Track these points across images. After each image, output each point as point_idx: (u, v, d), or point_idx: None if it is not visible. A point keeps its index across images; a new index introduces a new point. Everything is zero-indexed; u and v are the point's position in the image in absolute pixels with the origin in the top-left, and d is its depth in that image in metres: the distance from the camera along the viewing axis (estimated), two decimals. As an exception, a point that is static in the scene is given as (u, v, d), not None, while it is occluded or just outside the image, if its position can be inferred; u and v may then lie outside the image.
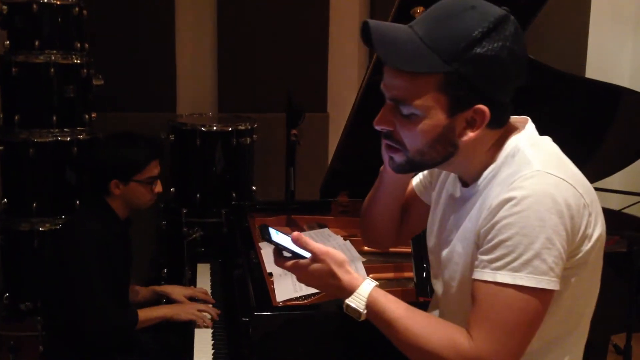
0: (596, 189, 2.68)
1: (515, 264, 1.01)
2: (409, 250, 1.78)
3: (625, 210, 2.53)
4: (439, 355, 1.03)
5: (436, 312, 1.29)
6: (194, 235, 3.00)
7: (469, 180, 1.16)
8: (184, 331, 2.11)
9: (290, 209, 2.47)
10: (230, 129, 3.16)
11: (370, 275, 1.77)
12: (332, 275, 1.11)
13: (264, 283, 1.73)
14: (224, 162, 3.19)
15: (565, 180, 1.05)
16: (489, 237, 1.04)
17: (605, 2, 3.92)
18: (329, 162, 2.70)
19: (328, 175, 2.57)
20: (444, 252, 1.19)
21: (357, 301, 1.10)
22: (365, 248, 2.05)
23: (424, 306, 1.31)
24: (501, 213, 1.03)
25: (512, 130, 1.14)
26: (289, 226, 2.42)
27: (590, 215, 1.06)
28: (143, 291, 2.37)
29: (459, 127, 1.07)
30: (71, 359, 2.12)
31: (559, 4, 3.61)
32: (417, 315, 1.09)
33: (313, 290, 1.69)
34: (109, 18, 3.39)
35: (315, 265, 1.12)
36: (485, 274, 1.04)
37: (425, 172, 1.36)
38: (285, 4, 3.63)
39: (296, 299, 1.68)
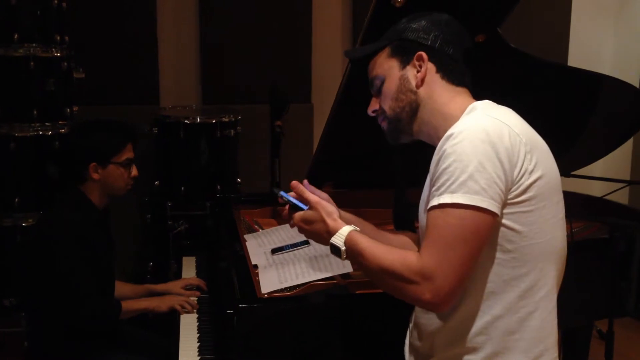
0: (579, 176, 2.71)
1: (452, 187, 1.16)
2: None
3: (607, 197, 2.56)
4: (393, 270, 1.20)
5: None
6: (179, 228, 2.99)
7: (436, 142, 1.28)
8: (170, 327, 2.11)
9: (275, 200, 2.46)
10: (214, 121, 3.15)
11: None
12: (322, 221, 1.31)
13: (248, 275, 1.73)
14: (208, 155, 3.18)
15: (501, 121, 1.20)
16: (436, 172, 1.20)
17: (586, -9, 3.95)
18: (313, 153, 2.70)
19: (312, 166, 2.57)
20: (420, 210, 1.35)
21: (338, 239, 1.28)
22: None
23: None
24: (443, 148, 1.19)
25: (469, 98, 1.34)
26: (274, 218, 2.42)
27: (528, 152, 1.18)
28: (137, 289, 2.36)
29: (411, 75, 1.34)
30: (56, 355, 2.11)
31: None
32: (382, 247, 1.26)
33: (297, 282, 1.69)
34: (90, 10, 3.35)
35: (310, 212, 1.33)
36: (431, 202, 1.19)
37: None
38: (267, -5, 3.61)
39: (281, 290, 1.68)
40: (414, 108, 1.34)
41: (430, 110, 1.33)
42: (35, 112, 2.82)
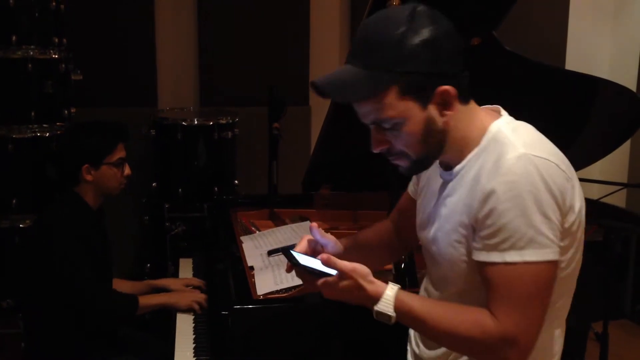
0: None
1: (520, 243, 1.09)
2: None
3: (603, 200, 2.56)
4: (469, 337, 1.13)
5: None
6: (177, 230, 2.99)
7: (452, 163, 1.23)
8: (166, 328, 2.11)
9: (272, 202, 2.47)
10: (211, 123, 3.15)
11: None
12: (359, 287, 1.17)
13: (244, 277, 1.73)
14: (205, 157, 3.18)
15: (548, 160, 1.13)
16: (488, 222, 1.12)
17: (584, -7, 3.96)
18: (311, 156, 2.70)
19: (309, 168, 2.58)
20: (432, 231, 1.26)
21: (385, 306, 1.16)
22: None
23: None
24: (497, 199, 1.10)
25: (489, 114, 1.23)
26: (272, 220, 2.43)
27: (573, 187, 1.15)
28: (138, 285, 2.36)
29: (436, 113, 1.17)
30: (53, 356, 2.11)
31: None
32: (442, 307, 1.18)
33: (293, 283, 1.69)
34: (88, 12, 3.35)
35: (344, 283, 1.18)
36: (493, 256, 1.12)
37: (414, 177, 1.44)
38: (265, -3, 3.61)
39: (277, 292, 1.68)
40: (442, 145, 1.20)
41: (453, 138, 1.20)
42: (33, 114, 2.82)
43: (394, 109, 1.14)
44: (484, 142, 1.19)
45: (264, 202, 2.49)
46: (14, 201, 2.82)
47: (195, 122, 3.15)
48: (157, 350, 2.18)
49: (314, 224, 1.32)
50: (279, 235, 2.12)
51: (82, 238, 2.05)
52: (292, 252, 1.23)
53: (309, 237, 1.33)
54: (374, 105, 1.15)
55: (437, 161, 1.27)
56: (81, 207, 2.13)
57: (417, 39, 1.11)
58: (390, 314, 1.16)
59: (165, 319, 2.20)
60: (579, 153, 2.51)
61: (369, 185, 2.40)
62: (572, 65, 3.85)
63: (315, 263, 1.21)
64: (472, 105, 1.21)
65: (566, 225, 1.14)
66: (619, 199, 3.19)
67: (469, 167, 1.19)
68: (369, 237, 1.52)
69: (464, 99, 1.19)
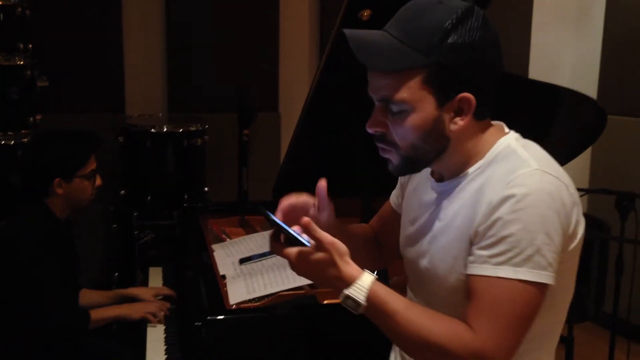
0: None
1: (517, 260, 1.03)
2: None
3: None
4: (442, 346, 1.05)
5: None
6: (146, 238, 2.96)
7: (447, 175, 1.18)
8: (134, 337, 2.09)
9: (243, 209, 2.47)
10: (181, 130, 3.14)
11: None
12: (333, 264, 1.07)
13: (216, 286, 1.72)
14: (175, 164, 3.16)
15: (560, 180, 1.09)
16: (490, 233, 1.06)
17: (547, 2, 4.05)
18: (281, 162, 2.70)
19: (280, 175, 2.58)
20: (423, 245, 1.20)
21: (357, 292, 1.07)
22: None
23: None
24: (503, 210, 1.05)
25: (497, 129, 1.18)
26: (242, 227, 2.42)
27: (577, 214, 1.11)
28: (107, 295, 2.33)
29: (448, 117, 1.10)
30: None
31: (501, 3, 3.70)
32: (418, 307, 1.11)
33: (266, 292, 1.70)
34: (54, 17, 3.31)
35: (319, 255, 1.08)
36: (485, 269, 1.06)
37: (397, 186, 1.38)
38: (235, 2, 3.61)
39: (250, 301, 1.68)
40: (440, 152, 1.13)
41: (454, 150, 1.14)
42: (-3, 121, 2.77)
43: (409, 93, 1.08)
44: (490, 155, 1.14)
45: (234, 210, 2.48)
46: (-22, 210, 2.76)
47: (165, 130, 3.13)
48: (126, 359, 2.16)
49: (324, 183, 1.20)
50: (250, 243, 2.12)
51: (48, 250, 2.02)
52: (269, 214, 1.13)
53: (294, 200, 1.24)
54: (392, 81, 1.08)
55: (429, 173, 1.23)
56: (49, 219, 2.10)
57: (463, 37, 1.06)
58: (360, 301, 1.06)
59: (133, 327, 2.18)
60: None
61: (341, 192, 2.41)
62: (535, 74, 3.93)
63: (292, 230, 1.10)
64: (485, 122, 1.16)
65: (567, 249, 1.09)
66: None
67: (471, 180, 1.14)
68: (357, 231, 1.43)
69: (479, 116, 1.13)
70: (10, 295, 2.02)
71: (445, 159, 1.15)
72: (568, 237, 1.08)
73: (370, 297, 1.07)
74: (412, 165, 1.16)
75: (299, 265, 1.10)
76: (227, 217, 2.44)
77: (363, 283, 1.07)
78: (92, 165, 2.13)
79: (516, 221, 1.03)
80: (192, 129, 3.17)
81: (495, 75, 1.12)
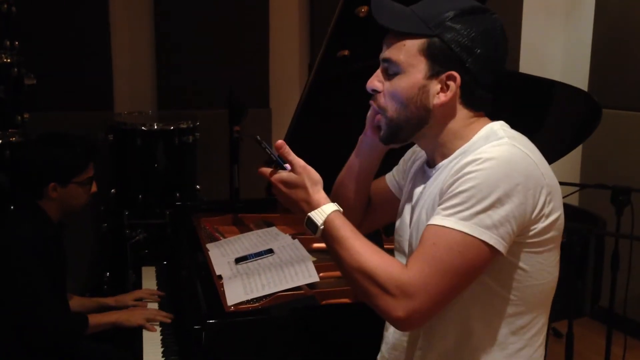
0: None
1: (464, 214, 1.08)
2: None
3: (562, 201, 2.62)
4: (374, 274, 1.10)
5: None
6: (137, 237, 2.93)
7: (437, 159, 1.23)
8: (129, 339, 2.06)
9: (236, 207, 2.44)
10: (171, 127, 3.10)
11: (321, 274, 1.77)
12: (304, 188, 1.19)
13: (213, 287, 1.70)
14: (166, 162, 3.13)
15: (530, 157, 1.12)
16: (450, 190, 1.11)
17: (537, -3, 4.05)
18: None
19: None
20: (411, 224, 1.26)
21: (318, 216, 1.18)
22: (315, 246, 2.05)
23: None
24: (466, 170, 1.10)
25: (487, 120, 1.23)
26: (236, 225, 2.40)
27: (548, 195, 1.13)
28: (87, 303, 2.29)
29: (433, 90, 1.18)
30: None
31: (493, -1, 3.70)
32: (366, 240, 1.16)
33: (264, 292, 1.68)
34: (41, 14, 3.25)
35: (292, 176, 1.21)
36: (435, 219, 1.11)
37: (399, 167, 1.43)
38: (224, -1, 3.57)
39: (247, 302, 1.66)
40: (420, 124, 1.21)
41: (438, 130, 1.21)
42: (-16, 121, 2.72)
43: (405, 57, 1.17)
44: (473, 139, 1.19)
45: (227, 208, 2.45)
46: (-35, 211, 2.70)
47: (155, 127, 3.09)
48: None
49: (280, 142, 1.27)
50: (245, 242, 2.09)
51: (40, 254, 1.98)
52: (263, 141, 1.28)
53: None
54: (396, 41, 1.18)
55: (425, 164, 1.28)
56: (42, 221, 2.06)
57: (471, 25, 1.15)
58: (318, 224, 1.17)
59: (129, 329, 2.15)
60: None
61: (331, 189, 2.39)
62: (526, 67, 3.94)
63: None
64: (479, 114, 1.21)
65: (534, 230, 1.12)
66: (572, 200, 3.27)
67: (453, 159, 1.19)
68: (342, 175, 1.46)
69: (468, 103, 1.19)
70: (4, 299, 1.98)
71: (429, 135, 1.22)
72: (533, 215, 1.11)
73: (327, 222, 1.17)
74: (396, 132, 1.23)
75: (278, 187, 1.23)
76: (219, 215, 2.41)
77: (325, 209, 1.18)
78: (89, 173, 2.11)
79: (473, 179, 1.08)
80: (183, 126, 3.13)
81: (492, 71, 1.18)
